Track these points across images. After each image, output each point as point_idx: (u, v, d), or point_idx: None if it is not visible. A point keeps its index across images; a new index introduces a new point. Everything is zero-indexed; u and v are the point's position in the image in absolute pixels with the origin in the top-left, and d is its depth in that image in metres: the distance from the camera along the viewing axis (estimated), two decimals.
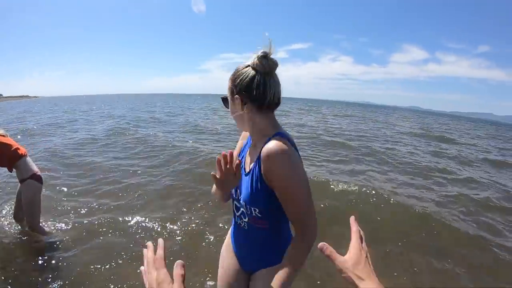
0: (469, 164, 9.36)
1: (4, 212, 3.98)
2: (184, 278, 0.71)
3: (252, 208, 1.19)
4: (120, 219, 3.97)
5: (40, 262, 2.99)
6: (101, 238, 3.53)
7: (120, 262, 3.07)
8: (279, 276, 1.04)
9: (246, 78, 1.10)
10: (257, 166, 1.14)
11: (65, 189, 4.98)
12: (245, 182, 1.20)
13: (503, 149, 15.13)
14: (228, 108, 1.25)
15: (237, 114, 1.19)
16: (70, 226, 3.75)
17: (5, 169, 3.19)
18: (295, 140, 1.18)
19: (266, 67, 1.08)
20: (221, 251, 1.55)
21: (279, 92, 1.14)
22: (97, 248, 3.32)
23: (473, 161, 9.90)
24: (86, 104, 39.44)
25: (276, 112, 1.20)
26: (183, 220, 4.04)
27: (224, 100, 1.25)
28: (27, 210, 3.24)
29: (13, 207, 3.60)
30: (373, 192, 5.18)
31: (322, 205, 4.51)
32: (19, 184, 3.22)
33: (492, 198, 5.78)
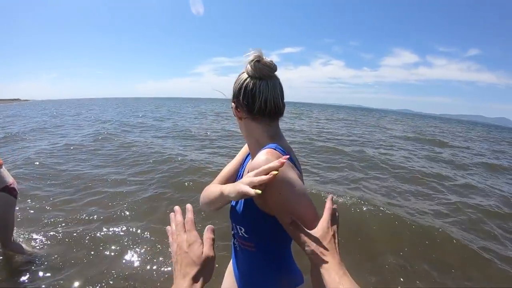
0: (464, 169, 9.28)
1: None
2: (214, 241, 0.77)
3: (238, 227, 1.10)
4: (106, 230, 3.82)
5: (19, 282, 2.75)
6: (86, 251, 3.35)
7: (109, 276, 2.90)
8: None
9: (239, 83, 1.05)
10: None
11: (45, 200, 4.72)
12: None
13: (496, 151, 15.28)
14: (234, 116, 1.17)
15: (238, 122, 1.13)
16: (51, 240, 3.53)
17: None
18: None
19: (257, 71, 1.01)
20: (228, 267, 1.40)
21: (275, 99, 1.04)
22: (81, 263, 3.14)
23: (468, 165, 9.82)
24: (76, 108, 39.30)
25: None
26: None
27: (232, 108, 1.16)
28: None
29: None
30: (368, 201, 4.93)
31: None
32: None
33: (491, 204, 5.67)
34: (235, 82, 1.08)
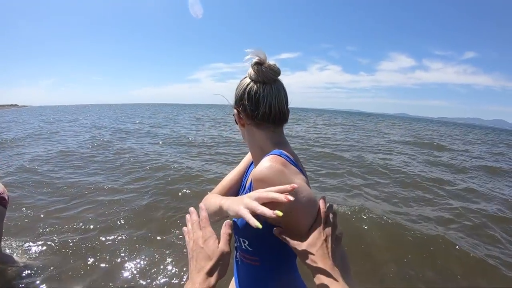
0: (464, 172, 9.22)
1: None
2: (230, 237, 0.78)
3: (241, 240, 1.04)
4: (103, 239, 3.74)
5: None
6: (83, 261, 3.27)
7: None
8: None
9: (241, 88, 1.01)
10: (249, 191, 0.98)
11: (40, 209, 4.62)
12: None
13: (495, 154, 15.29)
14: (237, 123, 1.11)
15: (241, 129, 1.08)
16: (47, 250, 3.44)
17: None
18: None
19: (260, 75, 0.97)
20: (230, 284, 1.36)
21: (279, 104, 1.00)
22: (79, 275, 3.06)
23: (468, 169, 9.77)
24: (73, 114, 39.35)
25: None
26: (170, 238, 3.86)
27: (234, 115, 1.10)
28: None
29: None
30: (368, 209, 4.83)
31: None
32: None
33: (494, 208, 5.61)
34: (237, 87, 1.04)
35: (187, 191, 5.56)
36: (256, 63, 0.97)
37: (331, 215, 0.85)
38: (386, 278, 3.25)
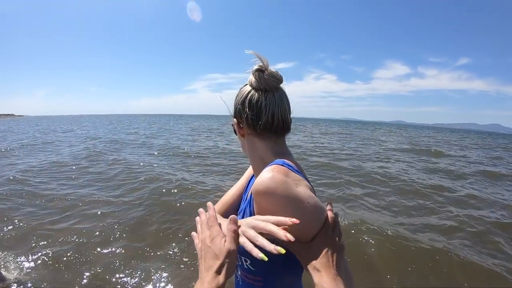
0: (464, 178, 9.14)
1: None
2: (235, 233, 0.76)
3: (243, 258, 0.95)
4: (97, 252, 3.68)
5: None
6: (77, 276, 3.19)
7: None
8: None
9: (241, 96, 0.96)
10: (249, 206, 0.97)
11: (32, 221, 4.54)
12: None
13: (493, 158, 15.35)
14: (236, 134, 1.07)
15: (240, 140, 1.04)
16: (40, 264, 3.36)
17: None
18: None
19: (262, 82, 0.92)
20: None
21: (282, 113, 0.95)
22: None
23: (468, 174, 9.70)
24: (69, 124, 39.70)
25: None
26: (165, 251, 3.77)
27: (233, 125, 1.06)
28: None
29: None
30: (368, 221, 4.71)
31: None
32: None
33: (497, 215, 5.53)
34: (237, 96, 0.99)
35: (182, 203, 5.45)
36: (258, 70, 0.93)
37: (338, 223, 0.84)
38: None
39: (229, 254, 0.74)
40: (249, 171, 1.19)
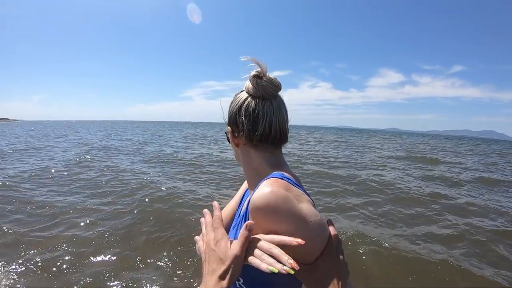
0: (461, 185, 9.07)
1: None
2: (246, 240, 0.71)
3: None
4: (89, 262, 3.60)
5: None
6: (66, 285, 3.13)
7: None
8: None
9: (237, 104, 0.91)
10: (243, 220, 0.90)
11: (21, 229, 4.43)
12: None
13: (489, 164, 15.49)
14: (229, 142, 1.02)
15: (234, 149, 0.99)
16: (29, 273, 3.29)
17: None
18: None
19: (259, 90, 0.87)
20: None
21: (280, 122, 0.90)
22: None
23: (464, 181, 9.63)
24: (63, 130, 39.78)
25: None
26: (157, 261, 3.68)
27: (227, 133, 1.01)
28: None
29: None
30: (364, 230, 4.60)
31: None
32: None
33: (496, 223, 5.47)
34: (232, 103, 0.94)
35: (174, 211, 5.32)
36: (255, 76, 0.87)
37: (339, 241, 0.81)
38: None
39: (235, 259, 0.71)
40: (244, 185, 1.14)
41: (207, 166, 10.65)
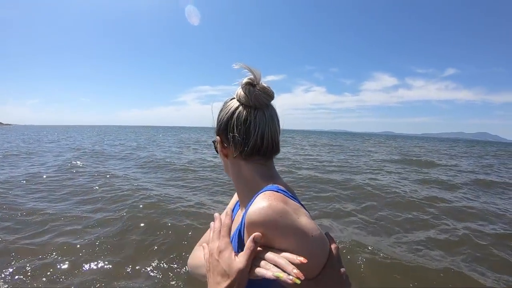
0: (458, 187, 9.00)
1: None
2: (252, 253, 0.69)
3: None
4: (76, 271, 3.52)
5: None
6: None
7: None
8: None
9: (227, 113, 0.86)
10: (236, 235, 0.83)
11: (7, 236, 4.36)
12: None
13: (485, 166, 15.58)
14: (217, 152, 0.97)
15: (223, 160, 0.94)
16: (16, 281, 3.26)
17: None
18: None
19: (251, 99, 0.82)
20: None
21: (273, 133, 0.85)
22: None
23: (461, 184, 9.56)
24: (56, 135, 39.58)
25: None
26: (148, 270, 3.59)
27: (214, 142, 0.96)
28: None
29: None
30: (361, 237, 4.47)
31: None
32: None
33: (495, 226, 5.38)
34: (221, 111, 0.90)
35: (166, 218, 5.16)
36: (248, 83, 0.83)
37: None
38: None
39: (240, 273, 0.69)
40: (234, 198, 1.10)
41: (200, 172, 10.46)
